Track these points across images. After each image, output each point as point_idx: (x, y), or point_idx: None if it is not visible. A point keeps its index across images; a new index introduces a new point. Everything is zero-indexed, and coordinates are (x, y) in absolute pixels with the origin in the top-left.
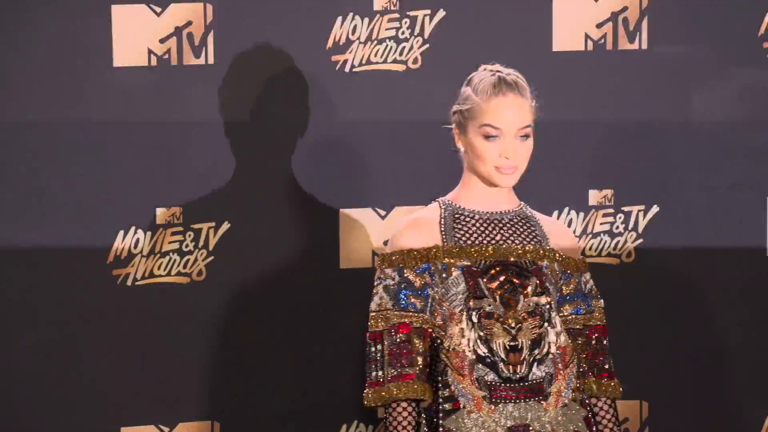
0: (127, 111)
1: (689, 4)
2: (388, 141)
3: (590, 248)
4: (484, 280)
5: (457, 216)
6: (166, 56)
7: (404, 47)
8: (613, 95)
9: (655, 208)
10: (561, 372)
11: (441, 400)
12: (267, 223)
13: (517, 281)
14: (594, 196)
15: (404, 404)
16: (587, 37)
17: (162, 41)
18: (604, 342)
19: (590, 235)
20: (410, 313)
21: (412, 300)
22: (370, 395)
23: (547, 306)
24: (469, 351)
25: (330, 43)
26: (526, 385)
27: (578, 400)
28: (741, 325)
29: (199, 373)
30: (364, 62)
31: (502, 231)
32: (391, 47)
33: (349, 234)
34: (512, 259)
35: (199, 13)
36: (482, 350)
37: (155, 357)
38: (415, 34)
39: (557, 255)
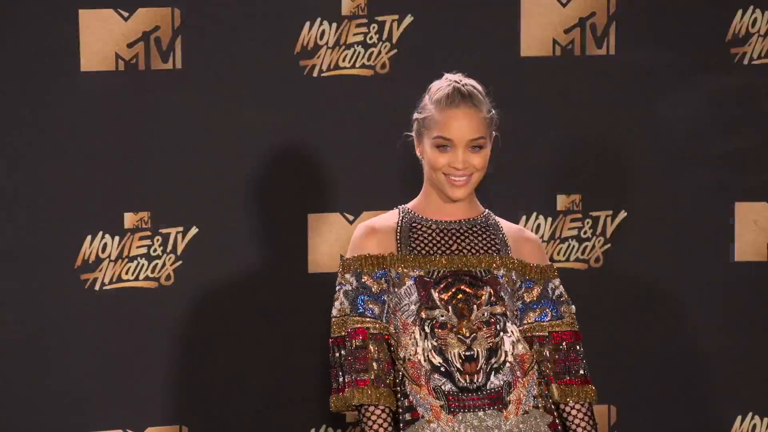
0: (94, 115)
1: (657, 9)
2: (356, 146)
3: (558, 253)
4: (437, 290)
5: (414, 225)
6: (134, 61)
7: (372, 52)
8: (581, 100)
9: (623, 213)
10: (519, 380)
11: (401, 410)
12: (235, 227)
13: (470, 291)
14: (562, 201)
15: (374, 405)
16: (555, 42)
17: (130, 46)
18: (578, 347)
19: (558, 240)
20: (367, 319)
21: (370, 306)
22: (334, 400)
23: (502, 315)
24: (425, 361)
25: (298, 48)
26: (484, 394)
27: (542, 406)
28: (708, 329)
29: (167, 378)
30: (332, 67)
31: (458, 240)
32: (359, 52)
33: (318, 239)
34: (466, 268)
35: (167, 18)
36: (437, 360)
37: (123, 361)
38: (383, 39)
39: (515, 263)
